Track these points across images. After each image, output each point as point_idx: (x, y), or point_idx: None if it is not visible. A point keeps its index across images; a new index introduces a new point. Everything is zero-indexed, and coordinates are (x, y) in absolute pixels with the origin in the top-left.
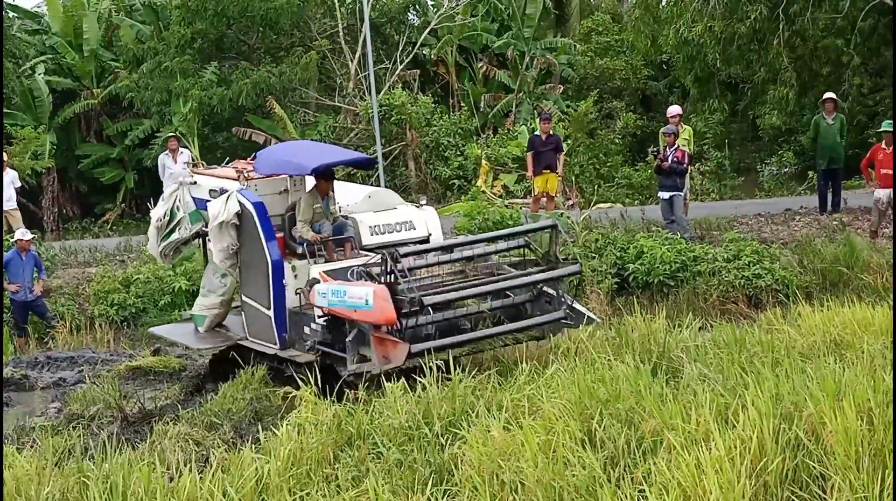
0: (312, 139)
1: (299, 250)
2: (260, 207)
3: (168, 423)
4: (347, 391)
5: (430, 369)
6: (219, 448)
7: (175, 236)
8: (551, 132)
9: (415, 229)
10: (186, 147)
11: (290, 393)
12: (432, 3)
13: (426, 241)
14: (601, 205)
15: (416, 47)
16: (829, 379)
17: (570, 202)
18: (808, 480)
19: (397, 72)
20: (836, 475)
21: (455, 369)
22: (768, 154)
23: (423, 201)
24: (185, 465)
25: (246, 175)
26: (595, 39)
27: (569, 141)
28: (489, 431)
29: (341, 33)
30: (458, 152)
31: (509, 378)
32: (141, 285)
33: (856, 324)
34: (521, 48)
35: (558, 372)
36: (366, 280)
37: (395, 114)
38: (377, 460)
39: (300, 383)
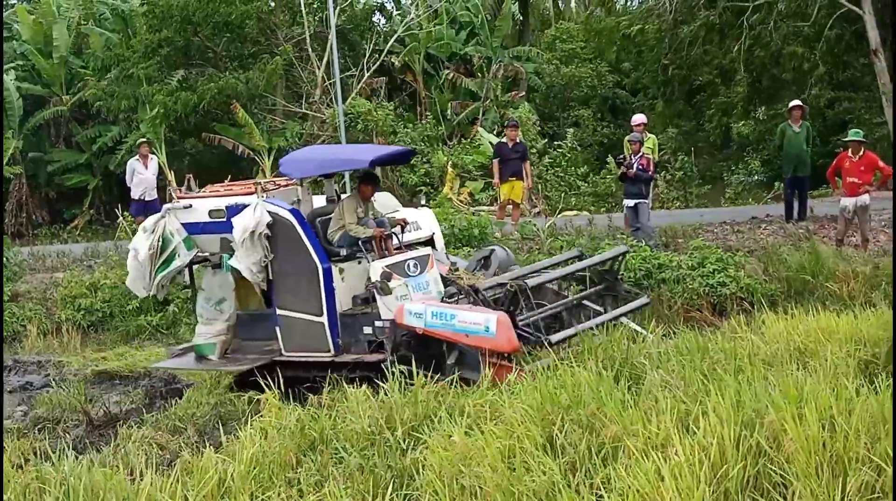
0: (280, 145)
1: (343, 253)
2: (298, 214)
3: (133, 427)
4: (311, 396)
5: (393, 374)
6: (182, 451)
7: (175, 263)
8: (518, 140)
9: (420, 229)
10: (155, 154)
11: (256, 397)
12: (398, 12)
13: (430, 240)
14: (567, 213)
15: (384, 55)
16: (791, 387)
17: (536, 210)
18: (768, 487)
19: (364, 79)
20: (797, 481)
21: (417, 374)
22: (735, 162)
23: (423, 202)
24: (149, 468)
25: (263, 187)
26: (560, 47)
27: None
28: (451, 436)
29: (308, 40)
30: (425, 160)
31: (472, 384)
32: (108, 289)
33: (819, 332)
34: (488, 56)
35: (520, 378)
36: (467, 301)
37: (362, 121)
38: (339, 464)
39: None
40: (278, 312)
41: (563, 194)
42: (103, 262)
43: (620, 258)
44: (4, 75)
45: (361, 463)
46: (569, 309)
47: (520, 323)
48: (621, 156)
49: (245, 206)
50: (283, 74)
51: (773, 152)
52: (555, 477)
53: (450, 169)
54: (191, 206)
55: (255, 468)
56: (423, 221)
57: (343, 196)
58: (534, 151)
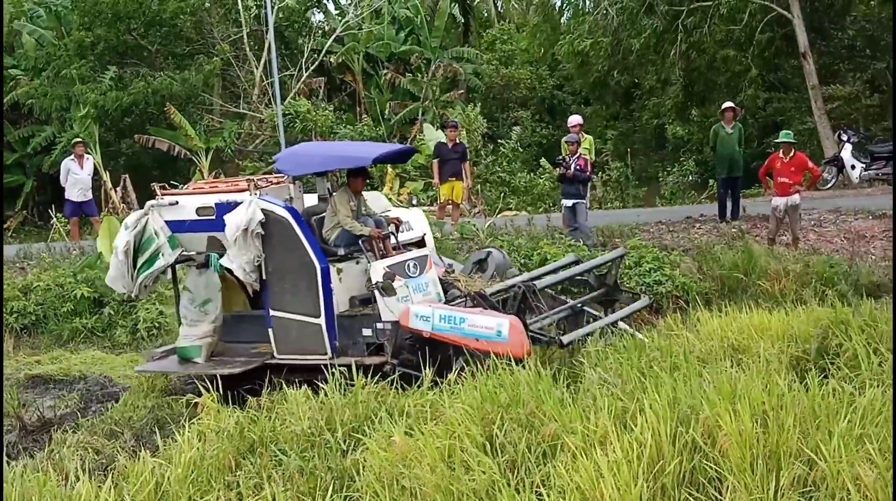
0: (217, 146)
1: (341, 252)
2: (294, 212)
3: (67, 431)
4: (250, 398)
5: (333, 375)
6: (118, 456)
7: (159, 263)
8: (457, 140)
9: (412, 229)
10: (90, 154)
11: (194, 401)
12: (336, 11)
13: (422, 242)
14: (506, 213)
15: (322, 55)
16: (726, 383)
17: (476, 210)
18: (704, 482)
19: (303, 79)
20: (732, 476)
21: (358, 375)
22: (671, 163)
23: (415, 202)
24: (84, 474)
25: (256, 183)
26: (499, 48)
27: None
28: (391, 437)
29: (245, 39)
30: None
31: (412, 384)
32: (41, 292)
33: (752, 329)
34: (428, 56)
35: (460, 378)
36: (473, 305)
37: (301, 121)
38: (279, 467)
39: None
40: (271, 313)
41: (502, 195)
42: (36, 264)
43: (619, 261)
44: None
45: (301, 465)
46: (570, 313)
47: (530, 325)
48: (560, 157)
49: (237, 203)
50: (219, 74)
51: (706, 153)
52: (494, 476)
53: (389, 169)
54: (177, 203)
55: (192, 471)
56: (415, 221)
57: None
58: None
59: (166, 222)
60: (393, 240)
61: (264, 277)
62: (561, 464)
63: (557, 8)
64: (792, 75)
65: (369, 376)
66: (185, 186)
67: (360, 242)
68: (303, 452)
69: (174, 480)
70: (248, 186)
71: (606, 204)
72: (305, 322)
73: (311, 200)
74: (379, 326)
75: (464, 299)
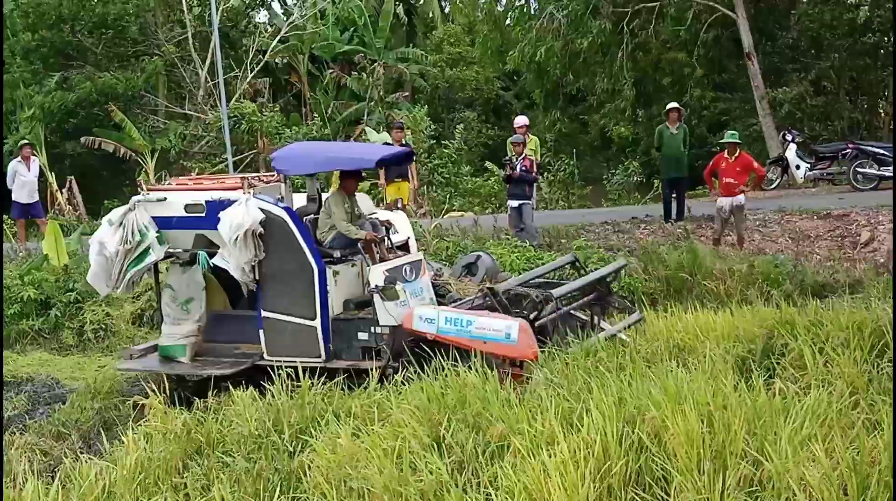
0: (163, 147)
1: (337, 254)
2: (292, 212)
3: (15, 433)
4: (197, 399)
5: (280, 376)
6: (66, 458)
7: (149, 259)
8: (403, 141)
9: (398, 232)
10: (37, 156)
11: (141, 403)
12: (282, 11)
13: (406, 244)
14: (452, 213)
15: (267, 55)
16: (672, 383)
17: (422, 211)
18: (651, 482)
19: (248, 80)
20: (679, 476)
21: (304, 375)
22: (616, 163)
23: (400, 205)
24: (31, 476)
25: (250, 182)
26: (446, 50)
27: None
28: (338, 438)
29: (190, 40)
30: None
31: (359, 385)
32: None
33: (698, 329)
34: (373, 57)
35: (407, 378)
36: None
37: (246, 122)
38: (226, 468)
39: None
40: (264, 314)
41: (448, 195)
42: None
43: (620, 272)
44: None
45: (248, 467)
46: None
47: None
48: (506, 158)
49: (229, 201)
50: (164, 75)
51: (652, 154)
52: (442, 477)
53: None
54: (165, 199)
55: (139, 473)
56: (399, 224)
57: (325, 194)
58: (423, 153)
59: (153, 217)
60: (387, 243)
61: (257, 277)
62: (508, 465)
63: (505, 15)
64: (737, 76)
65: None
66: (168, 181)
67: (357, 245)
68: (250, 453)
69: (120, 482)
70: (242, 184)
71: (551, 205)
72: (300, 324)
73: (300, 200)
74: (376, 330)
75: (484, 298)
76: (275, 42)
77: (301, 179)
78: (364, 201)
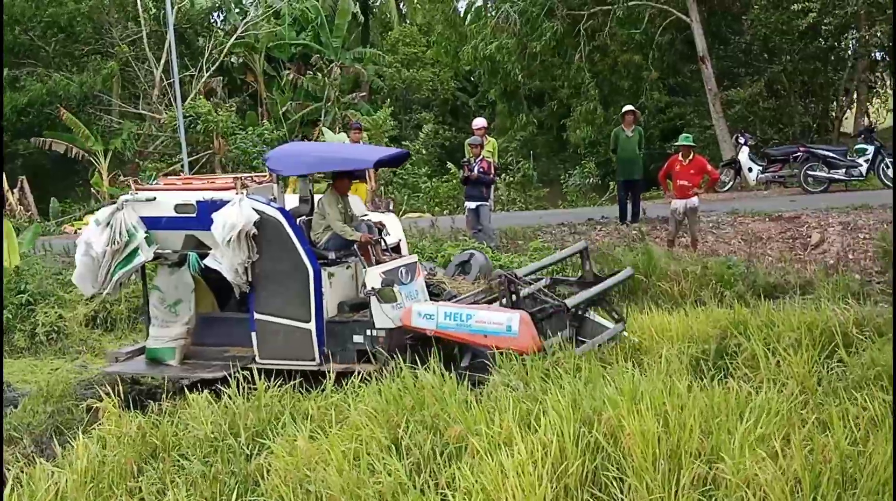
0: (116, 147)
1: (332, 256)
2: (287, 213)
3: None
4: (151, 403)
5: (235, 379)
6: (18, 462)
7: (137, 260)
8: (361, 142)
9: (390, 234)
10: None
11: (94, 406)
12: (237, 10)
13: (397, 247)
14: (410, 215)
15: (223, 55)
16: (628, 384)
17: (382, 211)
18: (607, 482)
19: (203, 79)
20: (634, 476)
21: (260, 378)
22: (572, 165)
23: (391, 207)
24: None
25: (243, 182)
26: (402, 51)
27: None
28: (295, 440)
29: (145, 39)
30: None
31: (316, 387)
32: None
33: (653, 330)
34: (329, 57)
35: (365, 380)
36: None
37: (202, 122)
38: (182, 472)
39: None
40: (256, 316)
41: (406, 197)
42: None
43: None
44: None
45: (204, 470)
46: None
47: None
48: (464, 159)
49: (222, 202)
50: (118, 74)
51: (607, 156)
52: (400, 478)
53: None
54: (154, 198)
55: (93, 478)
56: (391, 226)
57: (318, 196)
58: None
59: (141, 217)
60: (381, 244)
61: (250, 279)
62: (466, 466)
63: (462, 14)
64: (691, 79)
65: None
66: (155, 181)
67: (352, 246)
68: (206, 457)
69: (73, 486)
70: (235, 184)
71: (508, 206)
72: (294, 327)
73: (290, 201)
74: (372, 333)
75: (499, 285)
76: (231, 41)
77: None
78: (356, 203)
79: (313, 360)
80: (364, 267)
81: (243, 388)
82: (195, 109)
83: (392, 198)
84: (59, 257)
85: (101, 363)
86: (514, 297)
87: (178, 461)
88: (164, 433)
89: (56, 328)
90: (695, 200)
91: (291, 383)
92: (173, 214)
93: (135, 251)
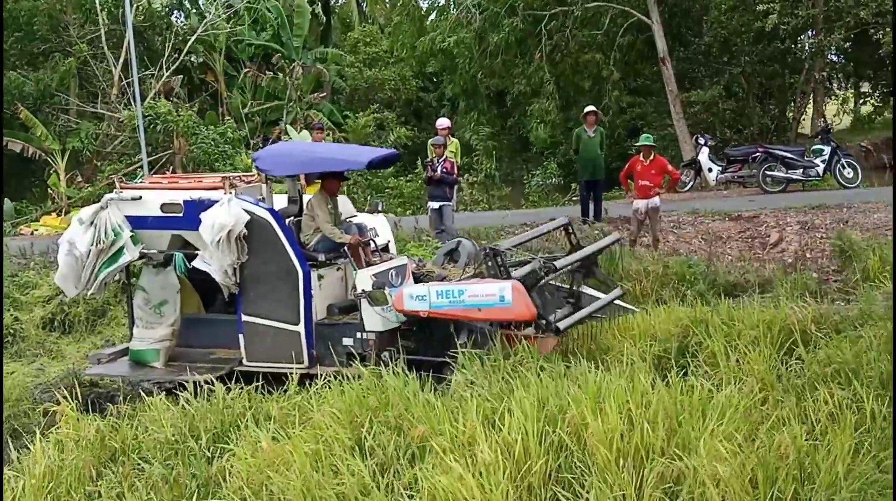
0: (74, 146)
1: (321, 258)
2: (276, 214)
3: None
4: (110, 405)
5: (194, 382)
6: None
7: (123, 259)
8: (323, 142)
9: (378, 236)
10: None
11: (52, 410)
12: (195, 11)
13: (386, 247)
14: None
15: (183, 54)
16: (591, 383)
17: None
18: (570, 479)
19: (163, 79)
20: (597, 473)
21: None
22: (535, 166)
23: (381, 207)
24: None
25: (233, 182)
26: (363, 50)
27: None
28: (258, 442)
29: (103, 38)
30: (228, 162)
31: (278, 388)
32: None
33: (616, 329)
34: (291, 57)
35: (328, 381)
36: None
37: (161, 121)
38: (142, 475)
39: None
40: (244, 318)
41: (369, 196)
42: None
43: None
44: None
45: (165, 473)
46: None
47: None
48: (427, 159)
49: (210, 202)
50: (76, 73)
51: (569, 156)
52: (364, 479)
53: (254, 170)
54: (140, 197)
55: (50, 482)
56: (381, 227)
57: (307, 196)
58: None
59: (126, 217)
60: (371, 246)
61: (238, 280)
62: (430, 466)
63: (423, 9)
64: (652, 80)
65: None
66: (140, 179)
67: (343, 248)
68: (166, 460)
69: (29, 491)
70: (224, 184)
71: (472, 206)
72: (282, 329)
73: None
74: (362, 335)
75: (484, 258)
76: (191, 41)
77: None
78: (344, 203)
79: (302, 362)
80: (354, 269)
81: (204, 390)
82: (155, 109)
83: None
84: (13, 260)
85: (58, 367)
86: (502, 268)
87: (139, 464)
88: (124, 436)
89: (12, 331)
90: (656, 199)
91: (253, 385)
92: (159, 213)
93: (120, 251)
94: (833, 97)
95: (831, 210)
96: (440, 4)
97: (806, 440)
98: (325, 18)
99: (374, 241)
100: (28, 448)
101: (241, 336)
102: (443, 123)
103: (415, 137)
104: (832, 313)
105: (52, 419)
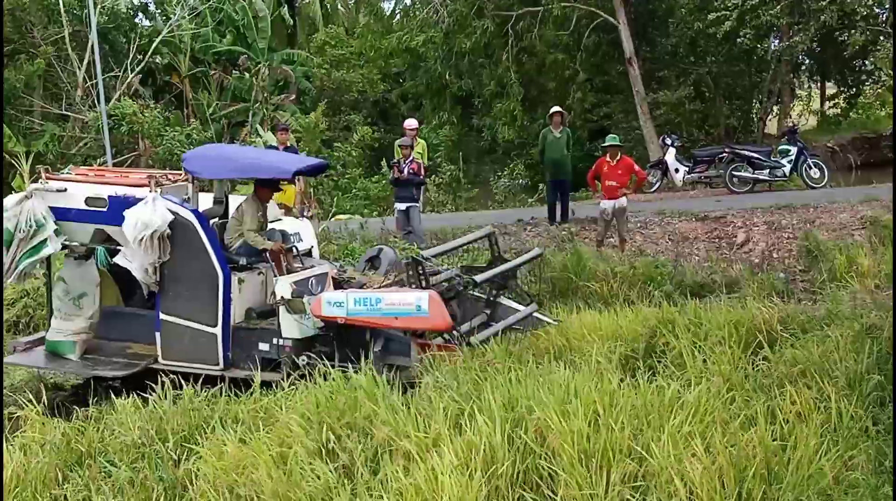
0: (38, 149)
1: (243, 261)
2: (200, 216)
3: None
4: (76, 408)
5: (162, 383)
6: None
7: (45, 250)
8: (288, 143)
9: (302, 240)
10: None
11: (16, 414)
12: (159, 12)
13: (309, 253)
14: (340, 216)
15: (148, 56)
16: (558, 383)
17: (309, 214)
18: (538, 481)
19: (128, 80)
20: (564, 474)
21: (187, 382)
22: (501, 167)
23: (308, 213)
24: None
25: (159, 180)
26: (329, 52)
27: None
28: (224, 445)
29: (67, 39)
30: None
31: (244, 390)
32: None
33: (584, 330)
34: (257, 58)
35: (294, 383)
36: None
37: (126, 123)
38: (108, 478)
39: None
40: (162, 316)
41: (336, 198)
42: None
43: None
44: None
45: (131, 476)
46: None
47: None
48: (394, 160)
49: (134, 198)
50: (41, 75)
51: (536, 157)
52: (330, 482)
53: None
54: (66, 189)
55: (15, 486)
56: (304, 232)
57: (238, 198)
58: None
59: (50, 208)
60: (294, 251)
61: (158, 278)
62: (399, 468)
63: (389, 10)
64: (619, 80)
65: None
66: (67, 170)
67: (266, 254)
68: (133, 463)
69: None
70: (149, 182)
71: (438, 207)
72: (200, 330)
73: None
74: (279, 342)
75: (406, 268)
76: (155, 43)
77: None
78: (270, 208)
79: (217, 364)
80: (275, 276)
81: (170, 392)
82: (120, 110)
83: (318, 200)
84: None
85: (23, 370)
86: (422, 278)
87: (105, 467)
88: (90, 439)
89: None
90: (623, 200)
91: (219, 386)
92: (83, 206)
93: (43, 242)
94: (798, 98)
95: (798, 210)
96: (406, 5)
97: (773, 439)
98: (291, 20)
99: (296, 247)
100: None
101: (157, 334)
102: (411, 123)
103: (381, 138)
104: (799, 312)
105: (17, 423)
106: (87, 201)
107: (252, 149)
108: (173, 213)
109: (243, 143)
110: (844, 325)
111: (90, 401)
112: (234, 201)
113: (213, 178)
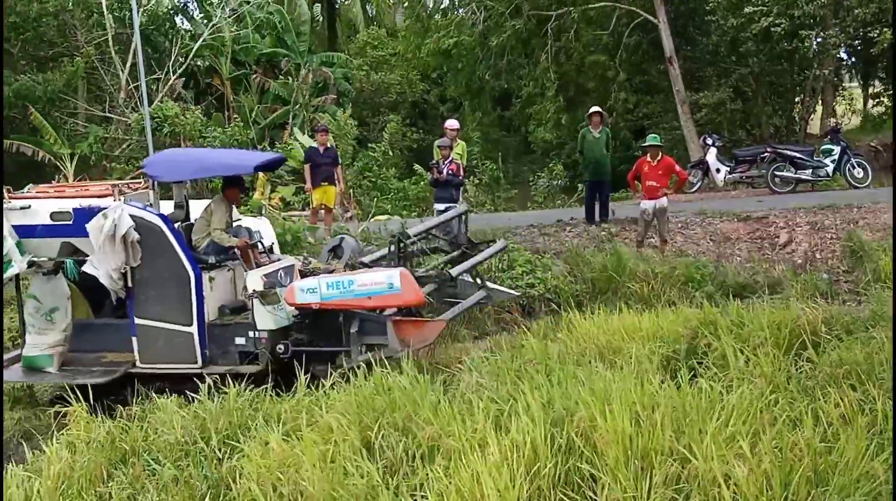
0: (83, 151)
1: (211, 260)
2: (166, 219)
3: None
4: (121, 407)
5: (206, 383)
6: None
7: (10, 271)
8: (329, 145)
9: (264, 238)
10: None
11: (62, 411)
12: (201, 15)
13: (271, 250)
14: (379, 217)
15: (189, 58)
16: (599, 384)
17: (349, 215)
18: (579, 482)
19: (170, 83)
20: (606, 475)
21: (230, 382)
22: (540, 167)
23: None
24: None
25: (121, 189)
26: (370, 54)
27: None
28: (268, 443)
29: (111, 42)
30: None
31: (287, 390)
32: None
33: (624, 330)
34: (297, 61)
35: (336, 384)
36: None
37: (168, 125)
38: (153, 476)
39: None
40: (137, 321)
41: (375, 199)
42: None
43: (465, 217)
44: None
45: (176, 474)
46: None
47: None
48: (433, 161)
49: (98, 209)
50: (84, 77)
51: (574, 157)
52: (374, 480)
53: (260, 174)
54: (29, 207)
55: (63, 483)
56: (264, 230)
57: (198, 202)
58: (348, 157)
59: (14, 226)
60: (259, 247)
61: (130, 284)
62: (440, 467)
63: (428, 9)
64: (659, 80)
65: (244, 383)
66: (28, 189)
67: (233, 251)
68: (177, 461)
69: (44, 492)
70: (112, 191)
71: (477, 208)
72: (175, 331)
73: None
74: (255, 334)
75: (389, 246)
76: (197, 45)
77: None
78: (235, 211)
79: (195, 363)
80: (245, 270)
81: (213, 392)
82: (162, 112)
83: (357, 201)
84: None
85: None
86: (401, 256)
87: (149, 465)
88: (134, 438)
89: None
90: (663, 200)
91: (263, 386)
92: (49, 222)
93: (8, 263)
94: (841, 97)
95: (841, 211)
96: (444, 5)
97: (819, 442)
98: (330, 22)
99: (262, 243)
100: (41, 450)
101: (134, 339)
102: (452, 124)
103: (421, 138)
104: (843, 314)
105: (62, 421)
106: (53, 215)
107: (208, 149)
108: (139, 218)
109: (284, 146)
110: (889, 326)
111: (131, 401)
112: (195, 204)
113: (175, 180)
